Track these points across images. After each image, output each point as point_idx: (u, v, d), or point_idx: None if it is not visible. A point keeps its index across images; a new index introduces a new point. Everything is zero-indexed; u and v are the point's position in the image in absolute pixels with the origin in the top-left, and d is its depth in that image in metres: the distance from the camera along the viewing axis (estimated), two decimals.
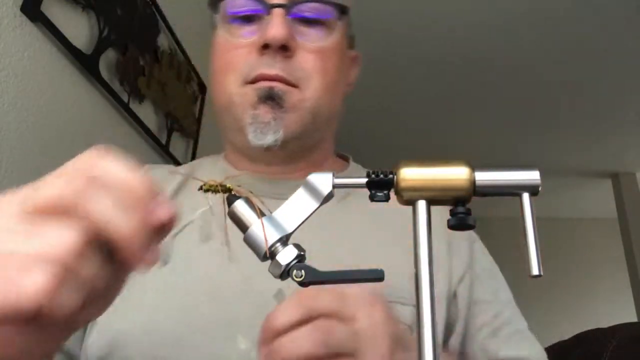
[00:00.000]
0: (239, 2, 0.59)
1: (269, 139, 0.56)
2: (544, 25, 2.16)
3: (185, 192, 0.63)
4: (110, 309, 0.52)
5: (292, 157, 0.62)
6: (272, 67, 0.56)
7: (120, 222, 0.27)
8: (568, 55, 2.38)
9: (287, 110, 0.56)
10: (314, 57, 0.58)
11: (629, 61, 2.40)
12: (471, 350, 0.57)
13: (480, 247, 0.65)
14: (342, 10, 0.60)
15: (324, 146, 0.67)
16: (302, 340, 0.35)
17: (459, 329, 0.57)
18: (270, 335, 0.36)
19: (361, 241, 0.57)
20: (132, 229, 0.28)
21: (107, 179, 0.29)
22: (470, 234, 0.66)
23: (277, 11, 0.56)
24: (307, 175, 0.53)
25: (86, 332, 0.55)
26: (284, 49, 0.56)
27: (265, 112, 0.56)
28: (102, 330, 0.52)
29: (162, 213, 0.29)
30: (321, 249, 0.54)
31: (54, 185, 0.28)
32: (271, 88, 0.56)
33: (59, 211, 0.27)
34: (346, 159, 0.73)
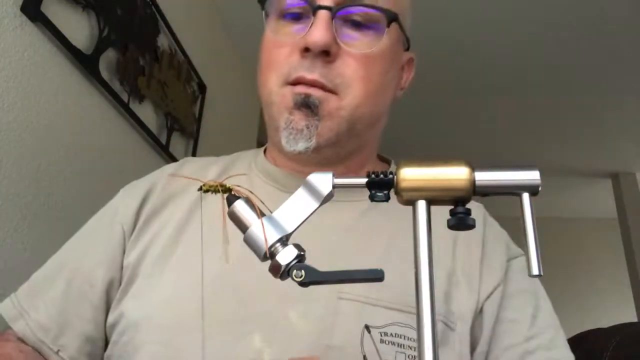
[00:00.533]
0: (286, 1, 0.58)
1: (300, 145, 0.55)
2: (544, 25, 2.16)
3: (209, 198, 0.63)
4: (134, 297, 0.56)
5: (328, 162, 0.61)
6: (312, 71, 0.55)
7: None
8: (568, 55, 2.38)
9: (322, 117, 0.55)
10: (356, 64, 0.56)
11: (629, 61, 2.40)
12: None
13: (519, 266, 0.60)
14: (393, 18, 0.57)
15: (365, 151, 0.65)
16: None
17: (481, 348, 0.54)
18: None
19: (394, 255, 0.56)
20: None
21: None
22: (510, 247, 0.63)
23: (322, 14, 0.54)
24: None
25: (107, 317, 0.57)
26: (325, 54, 0.55)
27: (299, 119, 0.55)
28: (125, 316, 0.54)
29: None
30: (346, 256, 0.55)
31: None
32: (307, 95, 0.55)
33: None
34: (388, 161, 0.72)
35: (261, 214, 0.38)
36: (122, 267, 0.59)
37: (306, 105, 0.55)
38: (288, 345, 0.49)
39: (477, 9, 2.08)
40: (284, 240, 0.37)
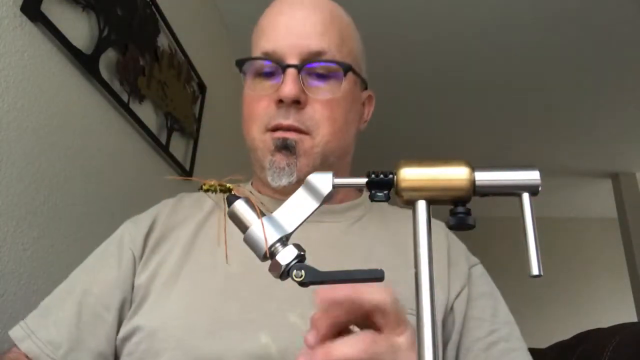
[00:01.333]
0: (259, 64, 0.70)
1: (284, 181, 0.65)
2: (544, 25, 2.16)
3: (213, 217, 0.73)
4: (149, 311, 0.62)
5: None
6: (287, 118, 0.66)
7: None
8: (568, 55, 2.38)
9: (299, 156, 0.66)
10: (322, 108, 0.67)
11: (629, 61, 2.40)
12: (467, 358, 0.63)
13: (479, 273, 0.71)
14: (348, 68, 0.69)
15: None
16: (348, 346, 0.38)
17: (454, 338, 0.64)
18: (319, 336, 0.40)
19: (374, 263, 0.63)
20: None
21: None
22: (469, 257, 0.73)
23: (290, 71, 0.66)
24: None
25: (119, 330, 0.64)
26: (297, 103, 0.66)
27: (280, 159, 0.66)
28: (141, 328, 0.61)
29: None
30: (332, 268, 0.61)
31: None
32: (285, 139, 0.66)
33: None
34: (360, 189, 0.81)
35: (261, 214, 0.38)
36: (132, 288, 0.66)
37: (285, 147, 0.66)
38: (290, 341, 0.56)
39: (477, 9, 2.08)
40: (284, 240, 0.37)
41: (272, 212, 0.67)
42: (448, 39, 2.29)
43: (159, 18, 1.47)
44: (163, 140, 1.51)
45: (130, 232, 0.71)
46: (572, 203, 4.35)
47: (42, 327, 0.63)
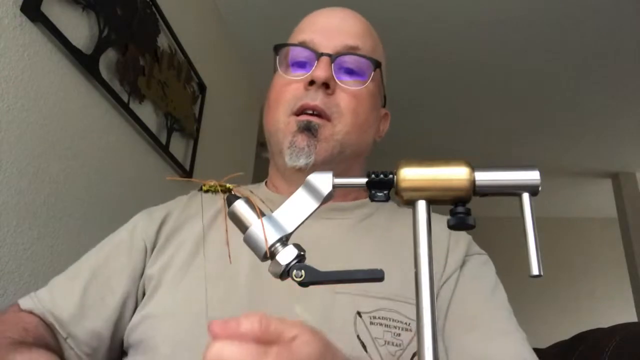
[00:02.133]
0: (297, 51, 0.72)
1: (302, 161, 0.67)
2: (544, 26, 2.16)
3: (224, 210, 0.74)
4: (160, 300, 0.63)
5: None
6: (315, 99, 0.68)
7: None
8: (568, 55, 2.38)
9: (320, 140, 0.68)
10: (349, 98, 0.70)
11: (629, 61, 2.40)
12: (448, 342, 0.62)
13: (478, 262, 0.70)
14: (377, 65, 0.72)
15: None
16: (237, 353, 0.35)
17: (440, 318, 0.64)
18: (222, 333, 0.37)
19: (377, 261, 0.64)
20: None
21: None
22: (471, 247, 0.71)
23: (324, 58, 0.69)
24: (334, 201, 0.68)
25: (121, 315, 0.66)
26: (326, 87, 0.68)
27: (301, 140, 0.67)
28: (151, 315, 0.63)
29: None
30: (336, 266, 0.62)
31: None
32: (309, 121, 0.67)
33: None
34: None
35: (261, 214, 0.38)
36: (141, 277, 0.68)
37: (308, 129, 0.67)
38: None
39: (477, 10, 2.08)
40: (284, 240, 0.37)
41: (252, 192, 0.70)
42: (448, 38, 2.29)
43: (159, 18, 1.47)
44: (163, 140, 1.51)
45: (144, 222, 0.73)
46: (572, 203, 4.35)
47: (48, 297, 0.66)
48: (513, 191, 0.33)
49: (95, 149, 1.16)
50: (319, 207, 0.37)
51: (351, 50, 0.71)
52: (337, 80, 0.70)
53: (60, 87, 1.03)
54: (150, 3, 1.42)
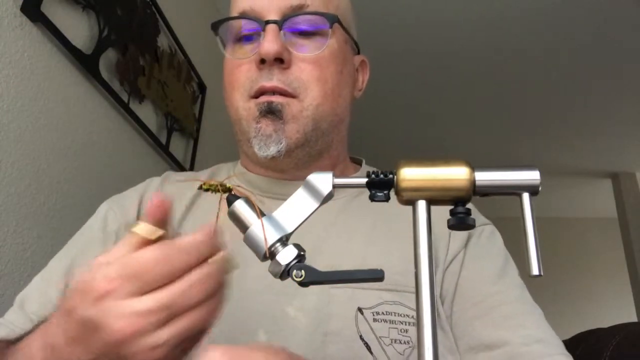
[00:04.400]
0: (237, 24, 0.63)
1: (272, 150, 0.59)
2: (544, 25, 2.16)
3: (204, 196, 0.67)
4: None
5: (301, 164, 0.64)
6: (270, 79, 0.60)
7: None
8: (568, 55, 2.38)
9: (287, 121, 0.60)
10: (310, 67, 0.61)
11: (629, 61, 2.40)
12: (457, 330, 0.57)
13: (483, 236, 0.63)
14: (334, 19, 0.62)
15: (333, 152, 0.68)
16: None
17: (447, 303, 0.58)
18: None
19: (366, 242, 0.60)
20: None
21: None
22: (477, 218, 0.65)
23: (270, 27, 0.60)
24: None
25: None
26: (280, 62, 0.60)
27: (266, 126, 0.60)
28: None
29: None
30: (334, 243, 0.59)
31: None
32: (270, 102, 0.59)
33: None
34: (359, 162, 0.76)
35: (261, 214, 0.38)
36: None
37: (271, 112, 0.59)
38: (289, 338, 0.52)
39: (477, 10, 2.08)
40: (284, 240, 0.37)
41: (264, 193, 0.65)
42: (448, 38, 2.29)
43: (159, 18, 1.47)
44: (163, 140, 1.51)
45: (115, 213, 0.66)
46: (572, 203, 4.35)
47: (22, 318, 0.56)
48: (513, 191, 0.33)
49: (95, 149, 1.16)
50: (319, 207, 0.37)
51: (299, 10, 0.61)
52: (291, 50, 0.60)
53: (60, 87, 1.03)
54: (150, 3, 1.42)
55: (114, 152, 1.24)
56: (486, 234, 0.64)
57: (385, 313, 0.54)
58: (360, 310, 0.54)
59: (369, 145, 3.47)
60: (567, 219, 4.55)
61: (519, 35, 2.24)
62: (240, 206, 0.39)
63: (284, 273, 0.37)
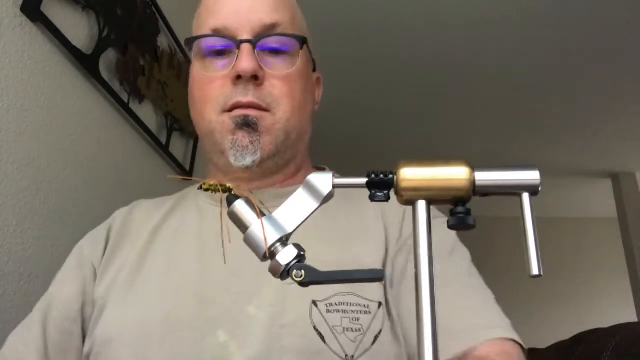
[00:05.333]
0: (212, 41, 0.67)
1: (248, 160, 0.63)
2: (544, 25, 2.16)
3: (178, 209, 0.73)
4: (105, 321, 0.60)
5: (269, 173, 0.69)
6: (246, 95, 0.63)
7: None
8: (568, 55, 2.38)
9: (262, 133, 0.64)
10: (281, 84, 0.65)
11: (628, 61, 2.40)
12: (400, 310, 0.59)
13: (434, 224, 0.64)
14: (303, 41, 0.68)
15: (297, 160, 0.74)
16: None
17: (395, 287, 0.61)
18: None
19: (320, 236, 0.62)
20: None
21: None
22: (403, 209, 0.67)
23: (245, 46, 0.63)
24: (282, 186, 0.69)
25: (84, 329, 0.63)
26: (255, 79, 0.64)
27: (242, 137, 0.63)
28: (99, 339, 0.59)
29: None
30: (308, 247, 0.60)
31: None
32: (246, 116, 0.63)
33: None
34: (322, 169, 0.80)
35: (261, 214, 0.38)
36: (93, 301, 0.64)
37: (246, 124, 0.63)
38: (248, 334, 0.55)
39: (477, 10, 2.08)
40: (284, 241, 0.37)
41: (251, 192, 0.67)
42: (448, 37, 2.29)
43: (159, 18, 1.47)
44: (163, 140, 1.51)
45: (88, 245, 0.70)
46: (572, 203, 4.36)
47: (13, 350, 0.62)
48: (513, 191, 0.33)
49: (95, 149, 1.16)
50: (319, 207, 0.37)
51: (271, 30, 0.65)
52: (264, 68, 0.65)
53: (60, 87, 1.03)
54: (150, 3, 1.42)
55: (114, 152, 1.24)
56: (438, 223, 0.65)
57: (338, 304, 0.57)
58: (314, 302, 0.57)
59: (368, 145, 3.47)
60: (567, 219, 4.55)
61: (519, 35, 2.24)
62: (240, 206, 0.39)
63: (284, 273, 0.37)
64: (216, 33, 0.66)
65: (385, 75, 2.55)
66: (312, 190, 0.37)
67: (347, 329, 0.55)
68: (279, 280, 0.55)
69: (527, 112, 2.96)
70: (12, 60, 0.89)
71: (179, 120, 1.61)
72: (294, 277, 0.36)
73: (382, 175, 0.35)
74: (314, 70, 0.78)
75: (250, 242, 0.38)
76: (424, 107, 2.97)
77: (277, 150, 0.66)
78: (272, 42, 0.66)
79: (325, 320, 0.55)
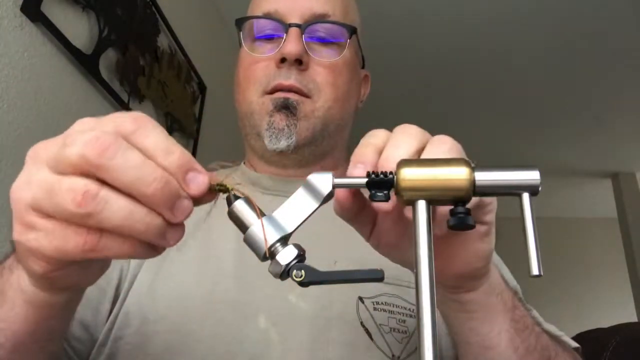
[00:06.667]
0: (262, 23, 0.67)
1: (282, 143, 0.62)
2: (544, 25, 2.16)
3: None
4: (139, 294, 0.57)
5: (305, 162, 0.68)
6: (288, 78, 0.63)
7: (142, 186, 0.28)
8: (568, 55, 2.38)
9: (300, 118, 0.63)
10: (325, 72, 0.65)
11: (628, 61, 2.40)
12: None
13: None
14: (352, 31, 0.67)
15: (335, 154, 0.72)
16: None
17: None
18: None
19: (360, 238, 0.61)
20: (155, 191, 0.28)
21: (142, 139, 0.30)
22: None
23: (293, 30, 0.63)
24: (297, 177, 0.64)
25: (102, 302, 0.57)
26: (299, 63, 0.63)
27: (280, 120, 0.63)
28: (132, 312, 0.56)
29: (194, 187, 0.31)
30: (331, 243, 0.60)
31: (79, 144, 0.29)
32: (286, 98, 0.63)
33: (84, 171, 0.29)
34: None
35: (261, 214, 0.38)
36: (122, 268, 0.60)
37: (285, 107, 0.62)
38: (291, 323, 0.54)
39: (479, 8, 2.08)
40: (284, 241, 0.37)
41: (267, 190, 0.67)
42: (448, 37, 2.29)
43: (159, 18, 1.47)
44: None
45: None
46: (572, 203, 4.35)
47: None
48: (513, 191, 0.33)
49: None
50: (319, 207, 0.37)
51: (320, 19, 0.65)
52: (310, 54, 0.64)
53: (60, 87, 1.03)
54: (150, 3, 1.42)
55: None
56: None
57: (384, 303, 0.56)
58: (360, 299, 0.56)
59: None
60: (567, 219, 4.55)
61: (520, 35, 2.24)
62: (240, 206, 0.39)
63: (284, 273, 0.36)
64: (267, 16, 0.66)
65: (382, 75, 2.55)
66: (312, 190, 0.37)
67: (394, 329, 0.55)
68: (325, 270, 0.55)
69: (527, 112, 2.96)
70: (12, 60, 0.89)
71: (179, 120, 1.61)
72: (293, 277, 0.36)
73: (382, 175, 0.35)
74: (363, 67, 0.76)
75: (250, 242, 0.37)
76: (424, 107, 2.97)
77: (314, 137, 0.65)
78: (321, 30, 0.65)
79: (372, 318, 0.55)
